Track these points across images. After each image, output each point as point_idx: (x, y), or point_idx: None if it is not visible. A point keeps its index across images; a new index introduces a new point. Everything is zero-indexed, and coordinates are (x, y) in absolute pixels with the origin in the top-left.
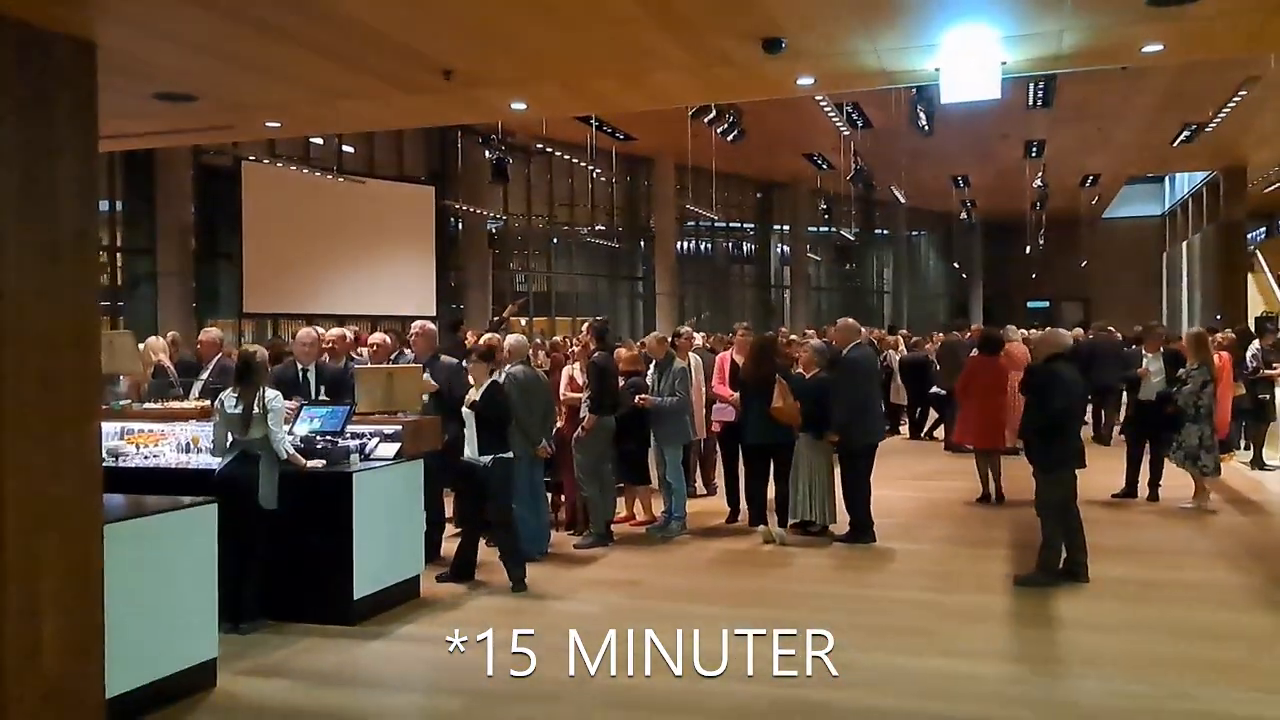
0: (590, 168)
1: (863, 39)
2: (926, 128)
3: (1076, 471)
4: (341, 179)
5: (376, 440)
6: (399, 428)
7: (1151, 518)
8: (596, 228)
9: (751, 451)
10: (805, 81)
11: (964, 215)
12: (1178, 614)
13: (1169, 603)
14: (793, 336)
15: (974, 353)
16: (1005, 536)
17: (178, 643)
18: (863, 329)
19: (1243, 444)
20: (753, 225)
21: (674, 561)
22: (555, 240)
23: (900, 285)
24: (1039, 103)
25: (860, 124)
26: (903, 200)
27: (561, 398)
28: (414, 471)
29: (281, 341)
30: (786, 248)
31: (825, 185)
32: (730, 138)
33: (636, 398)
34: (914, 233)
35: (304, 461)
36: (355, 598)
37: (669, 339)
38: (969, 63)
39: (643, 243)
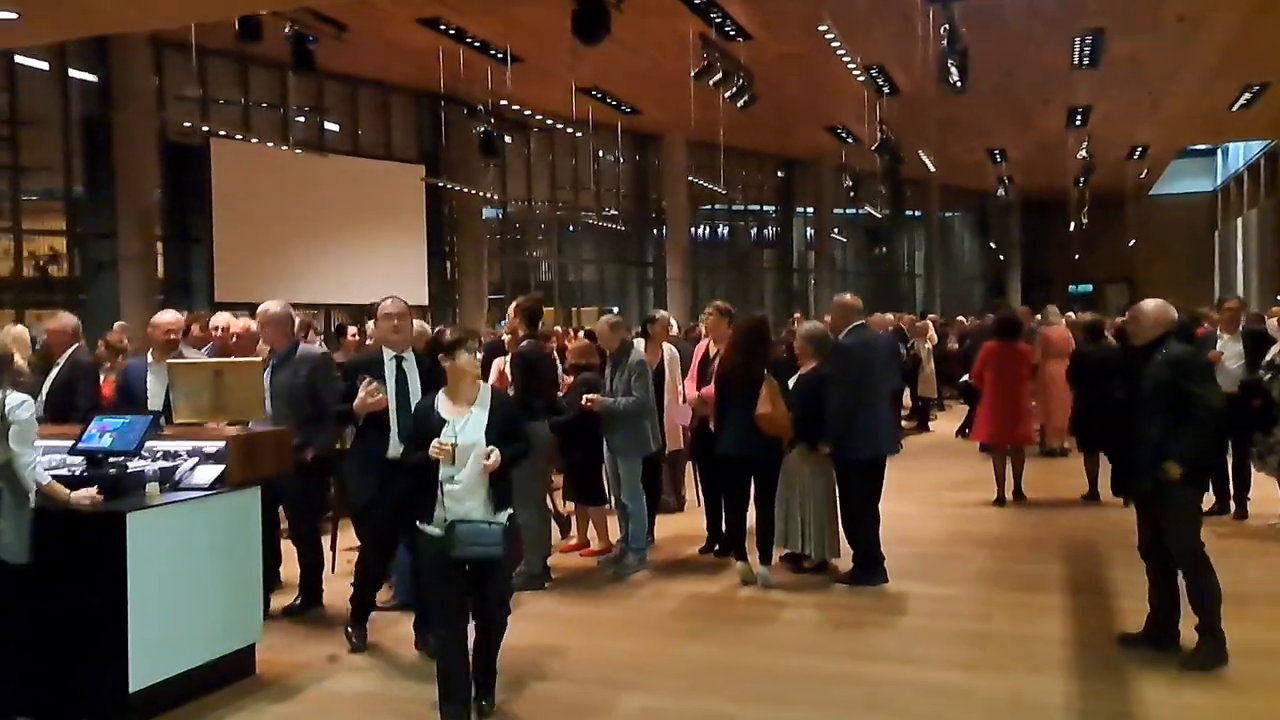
0: (594, 145)
1: None
2: (959, 83)
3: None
4: (315, 156)
5: (194, 462)
6: (222, 444)
7: (1246, 544)
8: (603, 210)
9: (728, 466)
10: None
11: (1001, 192)
12: None
13: None
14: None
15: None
16: (1059, 572)
17: None
18: (890, 315)
19: None
20: (774, 206)
21: (617, 614)
22: (557, 225)
23: (933, 268)
24: (1085, 61)
25: (886, 89)
26: (932, 168)
27: None
28: (244, 505)
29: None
30: (811, 230)
31: (850, 161)
32: (740, 103)
33: (584, 398)
34: (948, 213)
35: (65, 494)
36: (132, 690)
37: (629, 325)
38: None
39: (655, 228)
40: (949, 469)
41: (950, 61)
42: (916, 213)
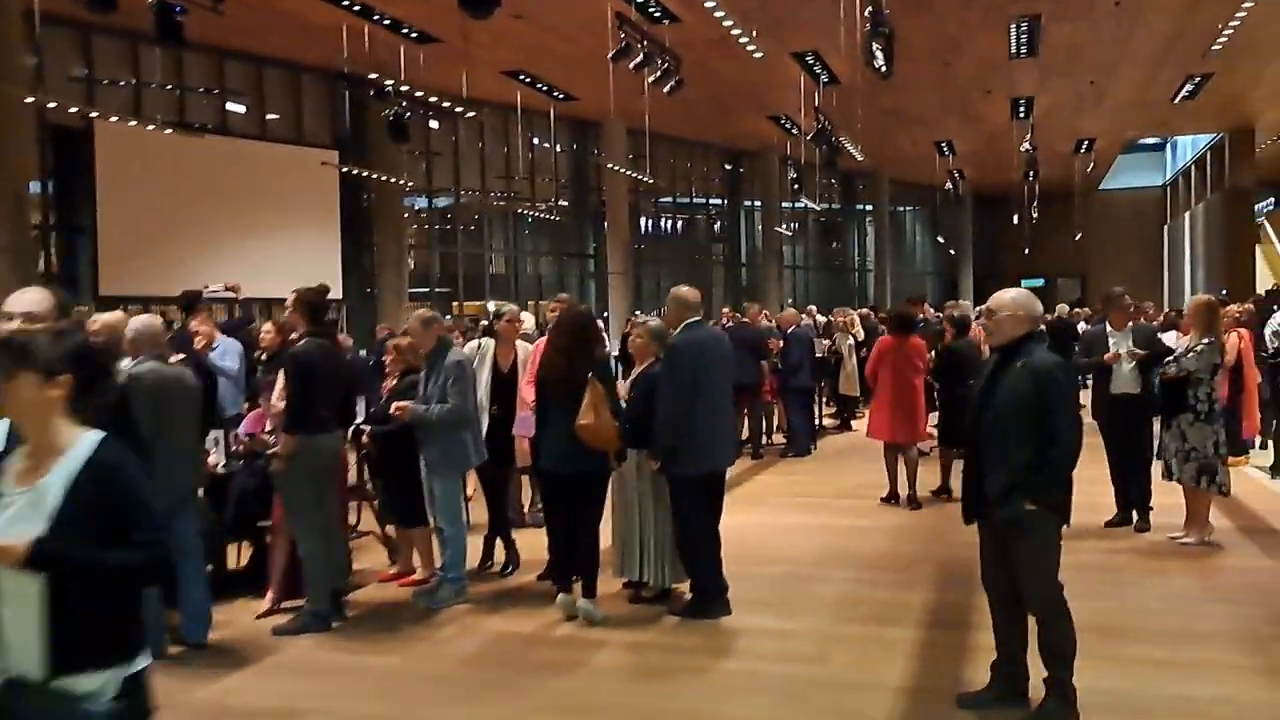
0: (528, 132)
1: None
2: (885, 68)
3: None
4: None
5: None
6: None
7: (1142, 563)
8: (539, 201)
9: (549, 483)
10: None
11: (949, 186)
12: None
13: None
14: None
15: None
16: (921, 600)
17: None
18: (803, 311)
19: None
20: (720, 199)
21: (396, 663)
22: (490, 216)
23: (884, 263)
24: (1023, 49)
25: (825, 78)
26: (860, 158)
27: (271, 407)
28: None
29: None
30: (760, 224)
31: (796, 153)
32: (666, 89)
33: (393, 406)
34: (899, 207)
35: None
36: None
37: (451, 319)
38: None
39: (597, 219)
40: (858, 471)
41: (876, 45)
42: (867, 206)
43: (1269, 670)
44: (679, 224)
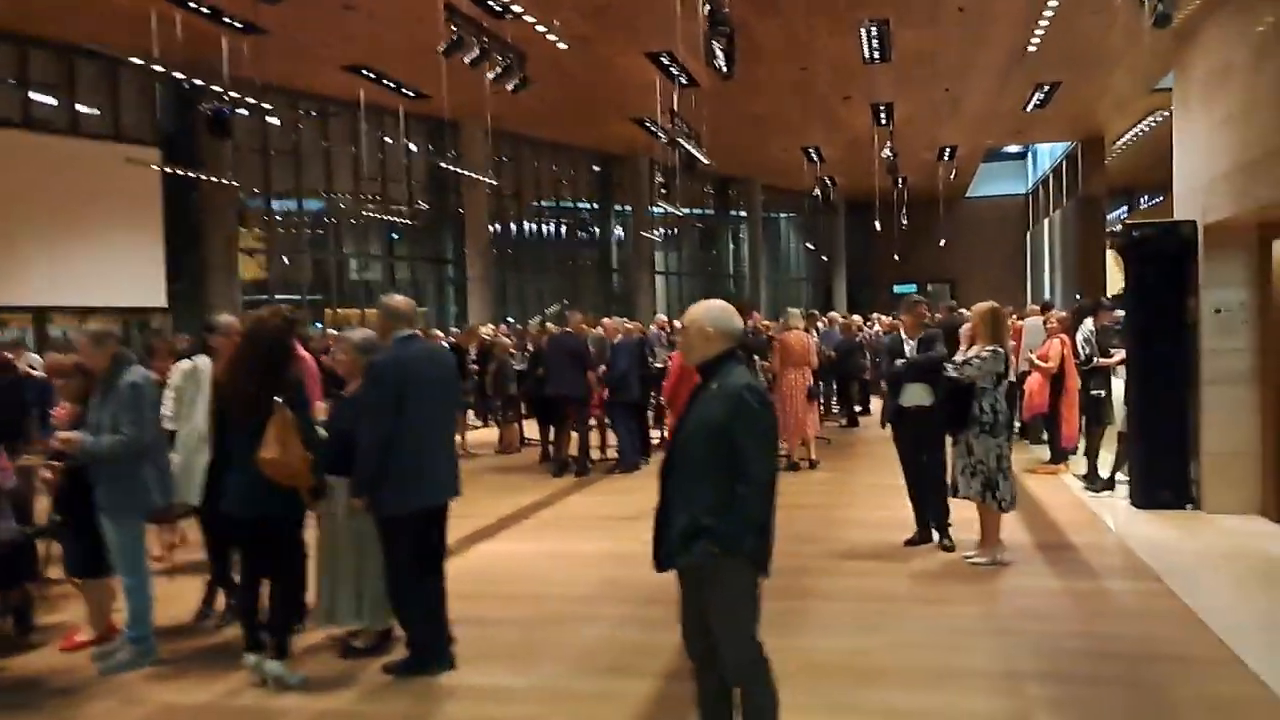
0: (379, 132)
1: None
2: (725, 68)
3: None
4: None
5: None
6: None
7: (925, 590)
8: (391, 204)
9: (231, 529)
10: None
11: (817, 192)
12: None
13: None
14: (606, 321)
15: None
16: (672, 643)
17: None
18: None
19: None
20: (591, 204)
21: None
22: (338, 219)
23: (758, 269)
24: (876, 55)
25: (684, 80)
26: (706, 161)
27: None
28: None
29: None
30: (628, 230)
31: (664, 158)
32: (510, 87)
33: (56, 436)
34: (774, 213)
35: None
36: None
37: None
38: None
39: (457, 223)
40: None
41: (716, 44)
42: (741, 212)
43: (1013, 717)
44: (549, 229)
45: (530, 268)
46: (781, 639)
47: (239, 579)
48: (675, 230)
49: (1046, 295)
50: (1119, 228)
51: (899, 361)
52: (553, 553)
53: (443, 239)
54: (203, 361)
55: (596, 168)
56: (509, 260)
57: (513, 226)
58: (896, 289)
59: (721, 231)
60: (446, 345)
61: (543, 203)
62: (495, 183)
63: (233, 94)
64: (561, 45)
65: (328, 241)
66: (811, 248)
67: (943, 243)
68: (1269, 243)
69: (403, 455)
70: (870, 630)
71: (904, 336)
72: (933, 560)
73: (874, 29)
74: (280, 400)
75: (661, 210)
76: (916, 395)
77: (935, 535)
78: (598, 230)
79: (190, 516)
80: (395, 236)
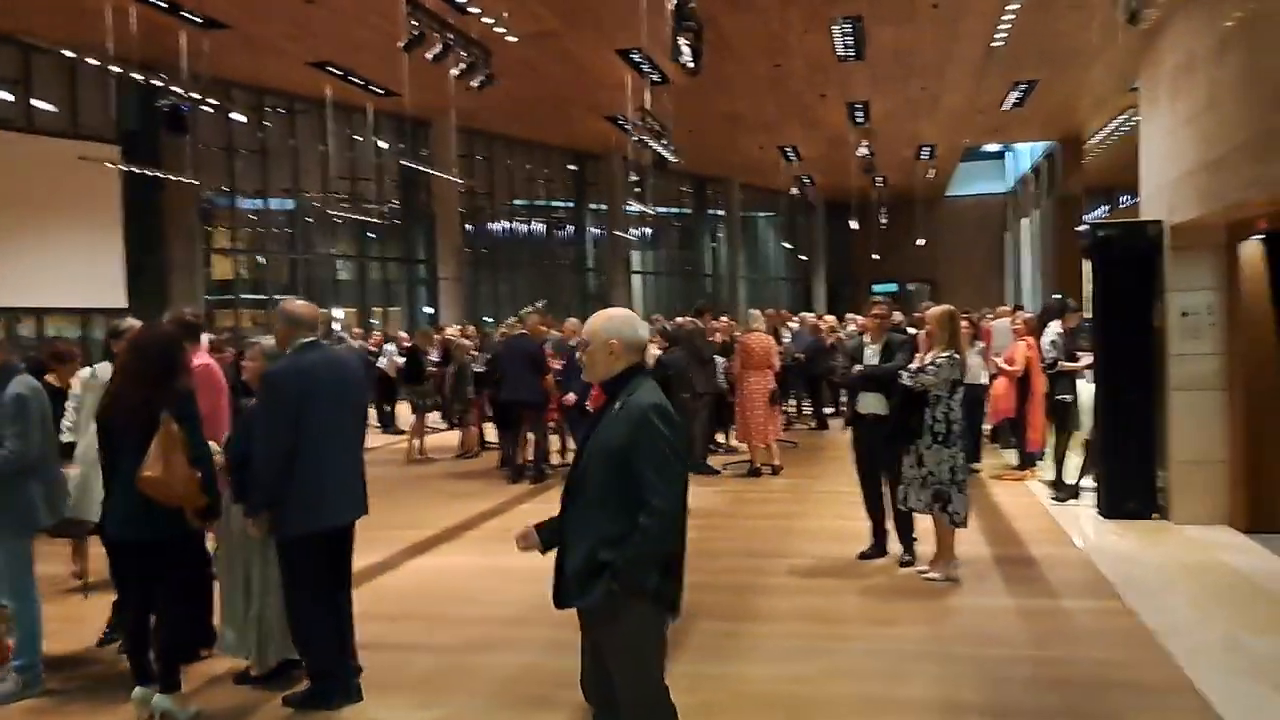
0: (347, 130)
1: None
2: (691, 64)
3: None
4: None
5: None
6: None
7: (877, 606)
8: (361, 203)
9: (117, 554)
10: None
11: (795, 191)
12: None
13: None
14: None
15: None
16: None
17: None
18: (447, 328)
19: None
20: (565, 202)
21: None
22: (305, 218)
23: (736, 269)
24: (850, 52)
25: (656, 77)
26: (675, 160)
27: None
28: None
29: None
30: (606, 229)
31: (638, 156)
32: (475, 83)
33: None
34: (752, 212)
35: None
36: None
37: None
38: None
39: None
40: None
41: (683, 40)
42: (719, 211)
43: None
44: (523, 228)
45: (504, 267)
46: (715, 665)
47: (120, 604)
48: (651, 230)
49: (1025, 295)
50: (1084, 228)
51: (855, 368)
52: (488, 568)
53: (415, 238)
54: (103, 369)
55: (571, 166)
56: (483, 259)
57: (487, 225)
58: (876, 289)
59: (700, 231)
60: (405, 348)
61: (516, 201)
62: (462, 181)
63: (190, 91)
64: (511, 38)
65: (297, 241)
66: (790, 247)
67: (922, 242)
68: (1236, 244)
69: (304, 471)
70: (809, 655)
71: (865, 341)
72: (885, 576)
73: (848, 25)
74: (167, 414)
75: (637, 209)
76: (872, 404)
77: (900, 548)
78: (573, 229)
79: (96, 533)
80: (371, 235)
